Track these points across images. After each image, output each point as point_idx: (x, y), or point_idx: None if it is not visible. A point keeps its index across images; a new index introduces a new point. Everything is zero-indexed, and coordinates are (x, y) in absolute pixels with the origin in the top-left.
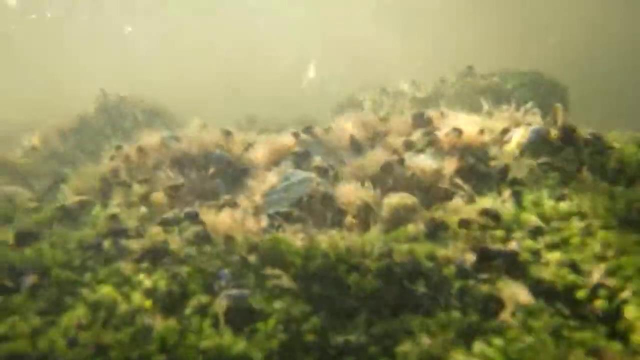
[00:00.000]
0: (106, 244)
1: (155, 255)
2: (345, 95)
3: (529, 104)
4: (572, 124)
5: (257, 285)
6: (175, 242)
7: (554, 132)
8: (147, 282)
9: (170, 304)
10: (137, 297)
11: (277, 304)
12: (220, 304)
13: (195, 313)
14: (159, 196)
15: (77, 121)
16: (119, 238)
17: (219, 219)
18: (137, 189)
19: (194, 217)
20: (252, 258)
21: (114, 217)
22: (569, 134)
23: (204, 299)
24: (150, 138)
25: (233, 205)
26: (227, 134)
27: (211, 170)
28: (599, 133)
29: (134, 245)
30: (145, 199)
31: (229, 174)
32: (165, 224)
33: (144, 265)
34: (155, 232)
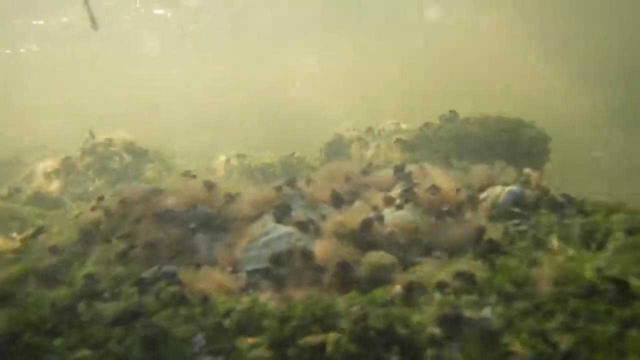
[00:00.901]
0: (80, 306)
1: (130, 319)
2: (333, 134)
3: (502, 164)
4: (546, 186)
5: (232, 351)
6: (150, 304)
7: (528, 194)
8: (120, 349)
9: None
10: None
11: None
12: None
13: None
14: (138, 253)
15: (62, 162)
16: (93, 300)
17: (197, 278)
18: (117, 245)
19: (171, 277)
20: (227, 321)
21: (90, 276)
22: (542, 196)
23: None
24: (132, 191)
25: (212, 262)
26: (210, 186)
27: (192, 225)
28: (571, 196)
29: (109, 308)
30: (124, 255)
31: (210, 228)
32: (142, 283)
33: (117, 330)
34: (131, 292)
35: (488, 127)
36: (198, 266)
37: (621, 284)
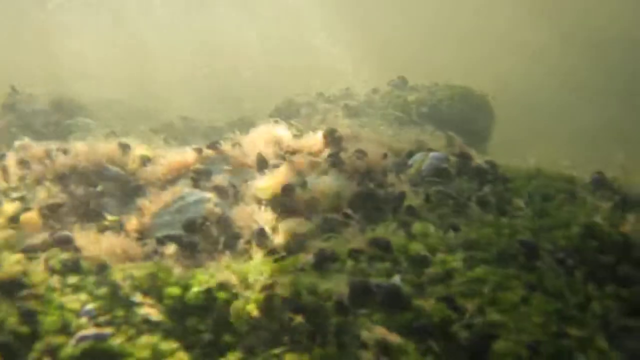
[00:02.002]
0: None
1: (9, 289)
2: (284, 98)
3: (431, 128)
4: (469, 152)
5: (125, 322)
6: (37, 273)
7: (452, 160)
8: None
9: (16, 346)
10: None
11: (143, 342)
12: (74, 347)
13: (42, 358)
14: (32, 217)
15: None
16: None
17: (97, 244)
18: (8, 207)
19: (66, 243)
20: (124, 289)
21: None
22: (465, 162)
23: (56, 340)
24: (34, 149)
25: (118, 227)
26: (125, 146)
27: (100, 187)
28: (494, 162)
29: None
30: (15, 219)
31: (121, 191)
32: (31, 250)
33: None
34: (15, 260)
35: (435, 94)
36: (101, 232)
37: (531, 249)
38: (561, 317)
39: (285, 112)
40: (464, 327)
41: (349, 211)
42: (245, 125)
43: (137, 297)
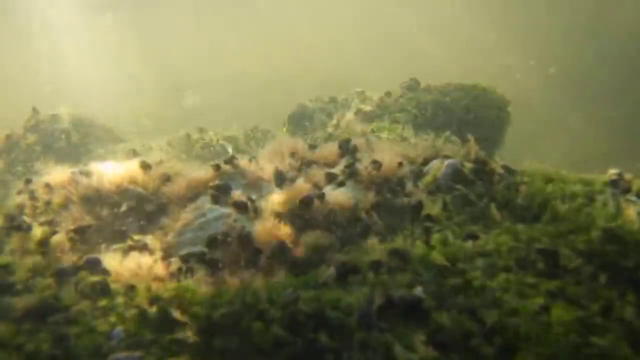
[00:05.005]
0: None
1: (42, 314)
2: (297, 104)
3: (447, 133)
4: (485, 157)
5: (154, 343)
6: (67, 296)
7: (467, 166)
8: (29, 346)
9: None
10: None
11: None
12: None
13: None
14: (61, 240)
15: (4, 141)
16: (4, 294)
17: (123, 266)
18: (37, 232)
19: (95, 265)
20: (152, 311)
21: (3, 267)
22: (481, 168)
23: None
24: (58, 174)
25: (142, 247)
26: (145, 166)
27: (123, 208)
28: (511, 167)
29: (20, 302)
30: (44, 244)
31: (144, 211)
32: (61, 274)
33: (26, 326)
34: (46, 284)
35: (448, 95)
36: (126, 252)
37: (551, 255)
38: (583, 326)
39: (299, 119)
40: (484, 340)
41: (368, 222)
42: (261, 134)
43: (167, 319)
